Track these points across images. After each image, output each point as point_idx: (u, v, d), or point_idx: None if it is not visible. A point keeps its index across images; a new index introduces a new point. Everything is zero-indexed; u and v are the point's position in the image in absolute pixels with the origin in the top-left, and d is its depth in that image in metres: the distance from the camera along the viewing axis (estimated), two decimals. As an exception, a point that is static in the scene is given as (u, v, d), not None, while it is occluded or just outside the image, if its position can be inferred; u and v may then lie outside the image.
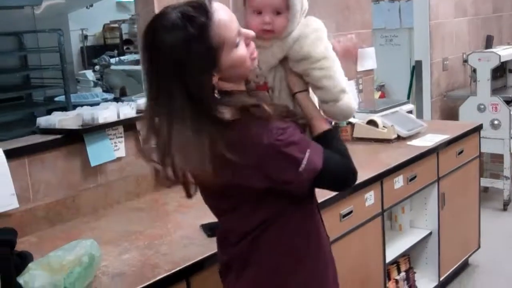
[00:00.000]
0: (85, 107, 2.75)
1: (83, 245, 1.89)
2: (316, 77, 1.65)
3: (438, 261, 3.60)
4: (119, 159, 2.70)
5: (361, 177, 2.76)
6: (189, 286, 2.02)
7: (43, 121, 2.59)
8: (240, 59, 1.52)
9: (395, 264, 3.38)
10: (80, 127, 2.55)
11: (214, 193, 1.66)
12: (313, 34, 1.65)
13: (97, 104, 6.26)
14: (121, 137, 2.69)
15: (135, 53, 8.34)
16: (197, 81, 1.45)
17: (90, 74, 7.21)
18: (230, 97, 1.53)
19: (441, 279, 3.64)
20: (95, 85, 7.03)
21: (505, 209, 5.08)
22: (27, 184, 2.41)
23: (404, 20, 5.28)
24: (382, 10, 5.29)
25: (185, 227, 2.35)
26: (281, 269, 1.65)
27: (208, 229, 2.26)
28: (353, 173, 1.65)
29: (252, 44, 1.57)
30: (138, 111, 2.77)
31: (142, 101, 2.82)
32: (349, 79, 1.77)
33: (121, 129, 2.68)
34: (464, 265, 4.05)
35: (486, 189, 5.21)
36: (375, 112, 3.65)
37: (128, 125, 2.71)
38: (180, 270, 1.98)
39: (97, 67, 7.49)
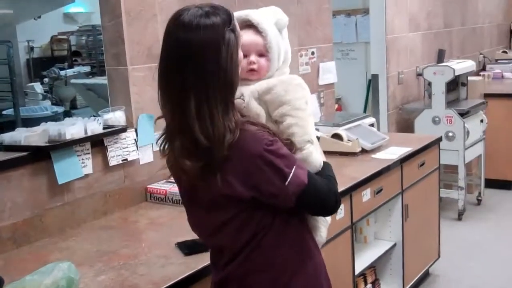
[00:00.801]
0: (50, 122, 2.65)
1: (60, 268, 1.81)
2: (289, 123, 1.69)
3: (402, 272, 3.64)
4: (86, 176, 2.62)
5: (332, 191, 2.79)
6: (170, 307, 1.97)
7: (7, 137, 2.49)
8: (241, 62, 1.66)
9: (361, 276, 3.39)
10: (47, 144, 2.46)
11: (206, 207, 1.66)
12: (299, 87, 1.74)
13: (47, 117, 6.13)
14: (89, 153, 2.61)
15: (84, 65, 8.21)
16: (232, 63, 1.55)
17: (38, 87, 7.04)
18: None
19: (405, 289, 3.68)
20: (44, 98, 6.85)
21: (460, 219, 5.20)
22: (-8, 204, 2.30)
23: (361, 35, 5.36)
24: (339, 24, 5.35)
25: (160, 246, 2.29)
26: (277, 282, 1.66)
27: (185, 248, 2.21)
28: (336, 197, 1.70)
29: None
30: (105, 127, 2.70)
31: (108, 116, 2.75)
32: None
33: (88, 145, 2.60)
34: (426, 275, 4.11)
35: (440, 199, 5.30)
36: (339, 125, 3.67)
37: (95, 141, 2.64)
38: (162, 291, 1.92)
39: (46, 80, 7.32)
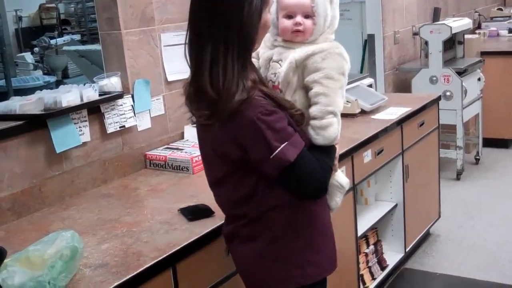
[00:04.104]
0: (44, 90, 2.59)
1: (63, 237, 1.78)
2: (317, 92, 1.67)
3: (404, 232, 3.63)
4: (84, 144, 2.56)
5: (333, 153, 2.76)
6: (175, 273, 1.94)
7: (1, 106, 2.43)
8: (268, 23, 1.67)
9: (364, 238, 3.39)
10: (43, 112, 2.40)
11: (206, 161, 1.77)
12: (339, 56, 1.72)
13: (39, 87, 6.06)
14: (86, 121, 2.55)
15: (73, 33, 8.08)
16: (253, 19, 1.57)
17: (29, 57, 6.93)
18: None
19: (406, 249, 3.68)
20: (35, 68, 6.75)
21: (458, 179, 5.19)
22: (-11, 175, 2.26)
23: (356, -6, 5.26)
24: (333, -16, 5.25)
25: (162, 212, 2.25)
26: (276, 244, 1.73)
27: (188, 213, 2.18)
28: (319, 185, 1.68)
29: None
30: (101, 93, 2.64)
31: (104, 82, 2.69)
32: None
33: (85, 112, 2.54)
34: (427, 235, 4.12)
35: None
36: (337, 86, 3.62)
37: (91, 109, 2.58)
38: (166, 258, 1.89)
39: (36, 49, 7.20)
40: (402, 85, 5.28)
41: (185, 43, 1.64)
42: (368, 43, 5.12)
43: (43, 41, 7.05)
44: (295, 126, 1.64)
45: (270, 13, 1.68)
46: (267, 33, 1.71)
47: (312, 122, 1.69)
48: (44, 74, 6.56)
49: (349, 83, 3.70)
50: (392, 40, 5.16)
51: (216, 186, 1.78)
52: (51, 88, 6.15)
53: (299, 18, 1.73)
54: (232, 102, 1.53)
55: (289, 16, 1.74)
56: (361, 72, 5.38)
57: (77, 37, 7.75)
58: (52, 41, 7.05)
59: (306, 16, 1.73)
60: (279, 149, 1.57)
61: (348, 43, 5.36)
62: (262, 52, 1.82)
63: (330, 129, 1.68)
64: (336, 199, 1.87)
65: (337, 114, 1.69)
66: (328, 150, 1.72)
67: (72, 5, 8.44)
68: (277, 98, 1.63)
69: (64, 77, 6.94)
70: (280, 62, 1.74)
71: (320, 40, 1.75)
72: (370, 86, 3.93)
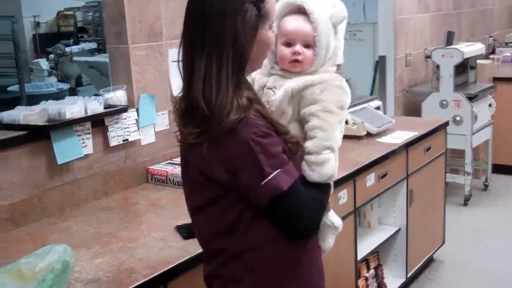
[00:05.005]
0: (50, 101, 2.61)
1: (56, 250, 1.78)
2: (314, 125, 1.59)
3: (406, 258, 3.60)
4: (86, 156, 2.57)
5: (335, 175, 2.75)
6: (166, 291, 1.94)
7: (6, 116, 2.45)
8: (270, 41, 1.57)
9: (364, 262, 3.36)
10: (46, 123, 2.42)
11: (190, 185, 1.63)
12: (339, 89, 1.63)
13: (53, 94, 6.10)
14: (89, 133, 2.57)
15: (90, 41, 8.13)
16: (244, 37, 1.47)
17: (44, 63, 6.98)
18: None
19: (408, 275, 3.64)
20: (49, 74, 6.81)
21: (466, 204, 5.15)
22: (-11, 183, 2.27)
23: (368, 15, 5.26)
24: (346, 4, 5.25)
25: (159, 229, 2.26)
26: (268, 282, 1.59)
27: (184, 231, 2.17)
28: (313, 223, 1.59)
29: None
30: (106, 106, 2.66)
31: (109, 95, 2.71)
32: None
33: (88, 125, 2.56)
34: (430, 261, 4.08)
35: (446, 184, 5.25)
36: (344, 108, 3.61)
37: (95, 121, 2.60)
38: (158, 276, 1.89)
39: (51, 56, 7.26)
40: (412, 108, 5.26)
41: (178, 57, 1.56)
42: (380, 65, 5.12)
43: (58, 48, 7.10)
44: (289, 155, 1.53)
45: (273, 31, 1.58)
46: (267, 52, 1.60)
47: (307, 157, 1.57)
48: (58, 81, 6.62)
49: (356, 105, 3.71)
50: (404, 62, 5.16)
51: (196, 214, 1.64)
52: (64, 95, 6.22)
53: (298, 47, 1.63)
54: (226, 121, 1.43)
55: (289, 44, 1.65)
56: (371, 93, 5.38)
57: (92, 45, 7.80)
58: (67, 49, 7.10)
59: (307, 45, 1.63)
60: (271, 175, 1.45)
61: (360, 64, 5.41)
62: (257, 78, 1.72)
63: (327, 166, 1.56)
64: (329, 240, 1.76)
65: (335, 150, 1.59)
66: (323, 187, 1.59)
67: (89, 14, 8.49)
68: (273, 121, 1.54)
69: (77, 85, 6.98)
70: (274, 89, 1.66)
71: (320, 72, 1.65)
72: (378, 108, 3.92)
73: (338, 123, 1.60)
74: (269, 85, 1.69)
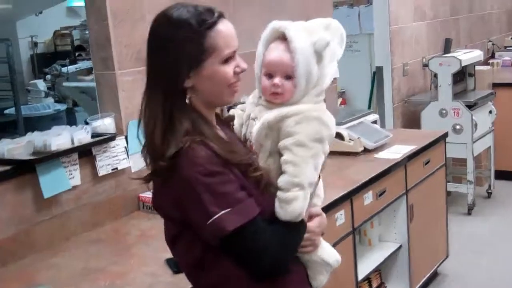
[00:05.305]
0: (35, 132, 2.55)
1: (39, 294, 1.72)
2: (285, 159, 1.52)
3: (409, 274, 3.53)
4: (74, 187, 2.52)
5: (331, 196, 2.69)
6: (155, 331, 1.87)
7: (-10, 150, 2.40)
8: (222, 75, 1.50)
9: (366, 281, 3.29)
10: (32, 156, 2.36)
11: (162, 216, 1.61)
12: (315, 121, 1.55)
13: (49, 115, 6.05)
14: (76, 164, 2.51)
15: (88, 59, 8.10)
16: (173, 70, 1.45)
17: (41, 84, 6.94)
18: (194, 117, 1.50)
19: (412, 292, 3.57)
20: (46, 95, 6.77)
21: (469, 213, 5.07)
22: (-26, 222, 2.21)
23: (364, 26, 5.21)
24: (341, 15, 5.20)
25: (149, 262, 2.20)
26: None
27: (174, 265, 2.11)
28: (275, 265, 1.51)
29: (240, 77, 1.55)
30: (94, 135, 2.61)
31: (97, 124, 2.65)
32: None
33: (75, 156, 2.50)
34: (434, 276, 4.00)
35: (449, 193, 5.18)
36: (340, 124, 3.54)
37: (83, 151, 2.54)
38: (146, 316, 1.83)
39: (48, 77, 7.23)
40: (411, 118, 5.19)
41: None
42: (377, 75, 5.06)
43: (54, 69, 7.05)
44: (252, 190, 1.48)
45: (230, 64, 1.51)
46: (225, 86, 1.51)
47: (278, 193, 1.51)
48: (56, 101, 6.58)
49: (353, 119, 3.65)
50: (401, 72, 5.10)
51: (171, 247, 1.61)
52: (61, 117, 6.17)
53: (277, 80, 1.56)
54: (165, 156, 1.41)
55: (269, 75, 1.59)
56: (369, 104, 5.33)
57: (90, 63, 7.76)
58: (64, 69, 7.07)
59: (287, 77, 1.56)
60: (217, 215, 1.40)
61: (357, 75, 5.36)
62: (248, 108, 1.69)
63: (294, 204, 1.49)
64: (321, 278, 1.68)
65: (305, 187, 1.50)
66: (292, 226, 1.51)
67: (87, 32, 8.43)
68: (226, 156, 1.45)
69: (74, 105, 6.95)
70: (256, 120, 1.61)
71: (303, 102, 1.57)
72: (375, 122, 3.85)
73: (311, 157, 1.52)
74: (252, 115, 1.65)
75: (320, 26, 1.63)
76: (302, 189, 1.51)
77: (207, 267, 1.52)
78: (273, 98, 1.60)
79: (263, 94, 1.63)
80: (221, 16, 1.50)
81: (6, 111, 5.80)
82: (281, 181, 1.52)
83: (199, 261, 1.52)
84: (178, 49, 1.44)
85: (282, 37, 1.59)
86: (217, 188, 1.42)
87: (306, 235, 1.58)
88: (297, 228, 1.54)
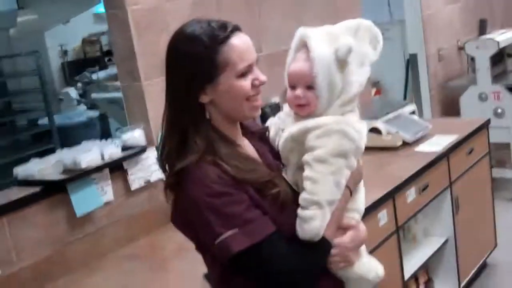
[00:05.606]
0: (65, 150, 2.51)
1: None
2: (305, 175, 1.44)
3: (457, 267, 3.40)
4: (107, 203, 2.47)
5: (373, 196, 2.58)
6: None
7: (21, 171, 2.36)
8: (238, 89, 1.44)
9: (413, 279, 3.17)
10: (62, 176, 2.32)
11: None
12: (338, 134, 1.45)
13: (82, 123, 6.06)
14: (108, 179, 2.46)
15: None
16: (187, 86, 1.43)
17: (73, 92, 6.98)
18: (211, 134, 1.46)
19: (461, 285, 3.43)
20: (79, 103, 6.80)
21: (515, 199, 4.89)
22: (8, 246, 2.18)
23: (395, 13, 5.06)
24: (370, 3, 5.06)
25: (187, 278, 2.13)
26: None
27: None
28: (291, 284, 1.43)
29: (260, 90, 1.49)
30: (124, 148, 2.55)
31: (127, 137, 2.59)
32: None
33: (107, 171, 2.45)
34: (483, 267, 3.85)
35: (493, 180, 5.00)
36: (377, 118, 3.41)
37: (114, 166, 2.48)
38: None
39: (79, 85, 7.25)
40: (449, 104, 5.02)
41: None
42: (411, 63, 4.91)
43: (85, 76, 7.10)
44: (268, 208, 1.41)
45: (247, 77, 1.44)
46: (242, 100, 1.45)
47: (298, 210, 1.43)
48: (88, 108, 6.60)
49: (390, 112, 3.52)
50: (436, 58, 4.93)
51: (202, 254, 1.57)
52: (94, 124, 6.18)
53: (299, 91, 1.48)
54: (172, 172, 1.43)
55: (293, 87, 1.51)
56: (405, 92, 5.17)
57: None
58: (93, 76, 7.08)
59: (309, 87, 1.47)
60: (222, 236, 1.36)
61: (390, 64, 5.19)
62: (282, 118, 1.61)
63: (312, 224, 1.41)
64: None
65: (323, 206, 1.42)
66: (313, 245, 1.43)
67: (115, 36, 8.46)
68: (238, 175, 1.40)
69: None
70: (283, 131, 1.54)
71: (328, 113, 1.48)
72: (413, 113, 3.71)
73: (331, 174, 1.43)
74: (281, 126, 1.59)
75: (347, 29, 1.54)
76: (320, 207, 1.42)
77: (227, 283, 1.50)
78: (299, 110, 1.52)
79: (289, 105, 1.56)
80: (235, 30, 1.45)
81: (40, 122, 5.84)
82: (301, 198, 1.44)
83: (221, 278, 1.50)
84: (192, 64, 1.41)
85: (306, 46, 1.51)
86: (224, 209, 1.37)
87: (335, 251, 1.50)
88: (317, 247, 1.45)
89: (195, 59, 1.40)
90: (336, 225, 1.49)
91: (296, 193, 1.47)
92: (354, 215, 1.57)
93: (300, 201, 1.44)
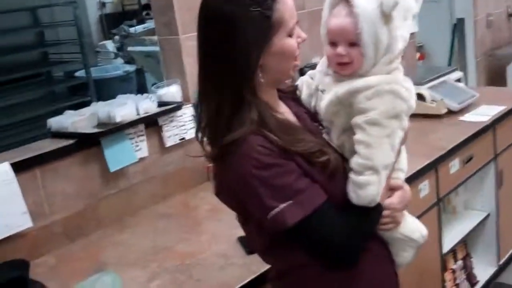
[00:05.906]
0: (99, 103, 2.45)
1: (103, 282, 1.62)
2: (357, 139, 1.35)
3: (497, 244, 3.28)
4: (141, 159, 2.41)
5: (414, 166, 2.48)
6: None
7: (54, 123, 2.31)
8: (289, 49, 1.36)
9: (451, 253, 3.07)
10: (96, 129, 2.26)
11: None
12: (390, 95, 1.35)
13: (119, 77, 6.01)
14: (143, 135, 2.39)
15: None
16: (246, 51, 1.29)
17: (110, 45, 6.93)
18: (262, 104, 1.35)
19: (500, 262, 3.32)
20: (116, 56, 6.75)
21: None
22: (41, 198, 2.14)
23: (443, -26, 4.85)
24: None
25: (220, 240, 2.06)
26: None
27: (247, 244, 1.97)
28: (345, 253, 1.36)
29: (299, 50, 1.39)
30: (159, 103, 2.47)
31: (163, 92, 2.52)
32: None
33: (142, 127, 2.38)
34: (524, 245, 3.73)
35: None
36: (421, 84, 3.27)
37: (149, 122, 2.42)
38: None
39: (116, 38, 7.20)
40: (496, 73, 4.83)
41: None
42: (458, 28, 4.71)
43: (122, 29, 7.02)
44: (318, 175, 1.33)
45: (293, 36, 1.36)
46: (293, 61, 1.38)
47: (350, 174, 1.36)
48: (125, 62, 6.55)
49: (434, 78, 3.37)
50: (485, 24, 4.72)
51: (243, 227, 1.51)
52: (131, 78, 6.12)
53: (341, 48, 1.38)
54: (222, 143, 1.31)
55: (333, 44, 1.41)
56: (450, 58, 4.98)
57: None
58: (131, 29, 7.01)
59: (352, 44, 1.37)
60: (277, 209, 1.29)
61: (435, 28, 4.98)
62: (317, 76, 1.51)
63: (368, 189, 1.34)
64: (404, 254, 1.53)
65: (379, 171, 1.34)
66: (367, 210, 1.37)
67: (154, -10, 8.36)
68: (288, 146, 1.31)
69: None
70: (324, 91, 1.44)
71: (373, 72, 1.38)
72: (459, 80, 3.56)
73: (386, 137, 1.34)
74: (320, 87, 1.48)
75: None
76: (376, 172, 1.34)
77: (277, 254, 1.44)
78: (340, 69, 1.41)
79: (328, 64, 1.46)
80: None
81: (77, 74, 5.81)
82: (354, 162, 1.35)
83: (269, 249, 1.44)
84: (245, 27, 1.28)
85: (346, 0, 1.39)
86: (275, 181, 1.29)
87: (385, 212, 1.44)
88: (371, 212, 1.39)
89: (249, 20, 1.28)
90: (387, 187, 1.42)
91: (343, 158, 1.39)
92: (399, 175, 1.50)
93: (354, 165, 1.35)
